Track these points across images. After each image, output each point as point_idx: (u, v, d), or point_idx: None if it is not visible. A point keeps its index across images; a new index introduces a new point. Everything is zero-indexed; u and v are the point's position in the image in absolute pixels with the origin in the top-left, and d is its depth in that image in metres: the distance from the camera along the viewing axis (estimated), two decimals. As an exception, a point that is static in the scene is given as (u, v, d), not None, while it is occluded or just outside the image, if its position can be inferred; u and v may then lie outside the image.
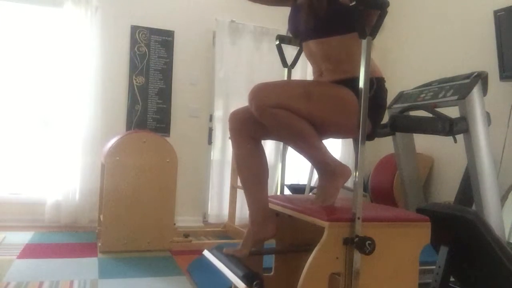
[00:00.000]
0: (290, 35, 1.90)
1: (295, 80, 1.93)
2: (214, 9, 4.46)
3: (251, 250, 1.68)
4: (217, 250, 1.71)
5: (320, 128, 1.56)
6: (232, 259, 1.61)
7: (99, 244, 3.29)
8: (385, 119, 2.59)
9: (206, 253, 1.76)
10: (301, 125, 1.51)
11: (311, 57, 1.74)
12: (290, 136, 1.57)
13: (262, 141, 1.74)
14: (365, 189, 4.14)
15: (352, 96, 1.55)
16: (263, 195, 1.68)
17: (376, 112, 1.60)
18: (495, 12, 3.32)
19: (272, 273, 1.88)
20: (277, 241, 1.86)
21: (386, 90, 1.67)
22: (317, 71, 1.74)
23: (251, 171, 1.67)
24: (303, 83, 1.66)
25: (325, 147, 1.60)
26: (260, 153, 1.70)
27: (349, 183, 3.79)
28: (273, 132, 1.62)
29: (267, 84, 1.55)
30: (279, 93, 1.52)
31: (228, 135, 1.80)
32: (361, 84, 1.44)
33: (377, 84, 1.59)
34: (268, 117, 1.51)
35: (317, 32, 1.65)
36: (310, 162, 1.67)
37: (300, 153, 1.61)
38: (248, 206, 1.69)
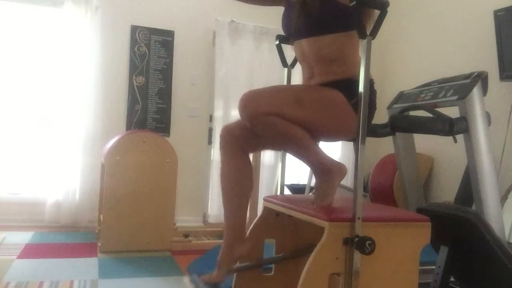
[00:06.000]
0: None
1: (284, 85, 1.92)
2: (214, 9, 4.46)
3: (228, 271, 1.67)
4: (196, 277, 1.66)
5: (313, 132, 1.56)
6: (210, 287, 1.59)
7: (99, 244, 3.29)
8: (385, 119, 2.60)
9: (186, 280, 1.72)
10: (295, 131, 1.51)
11: (302, 57, 1.73)
12: (284, 142, 1.58)
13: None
14: (365, 189, 4.14)
15: (342, 98, 1.56)
16: (242, 213, 1.69)
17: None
18: (495, 12, 3.32)
19: (272, 273, 1.88)
20: (277, 242, 1.86)
21: (375, 91, 1.68)
22: (308, 73, 1.73)
23: (236, 189, 1.68)
24: (293, 89, 1.65)
25: (320, 148, 1.60)
26: (247, 170, 1.70)
27: (349, 183, 3.81)
28: (267, 140, 1.61)
29: (257, 91, 1.54)
30: (270, 100, 1.51)
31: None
32: (361, 84, 1.45)
33: None
34: (261, 125, 1.50)
35: (310, 30, 1.65)
36: (306, 164, 1.66)
37: (295, 157, 1.61)
38: (225, 222, 1.68)
